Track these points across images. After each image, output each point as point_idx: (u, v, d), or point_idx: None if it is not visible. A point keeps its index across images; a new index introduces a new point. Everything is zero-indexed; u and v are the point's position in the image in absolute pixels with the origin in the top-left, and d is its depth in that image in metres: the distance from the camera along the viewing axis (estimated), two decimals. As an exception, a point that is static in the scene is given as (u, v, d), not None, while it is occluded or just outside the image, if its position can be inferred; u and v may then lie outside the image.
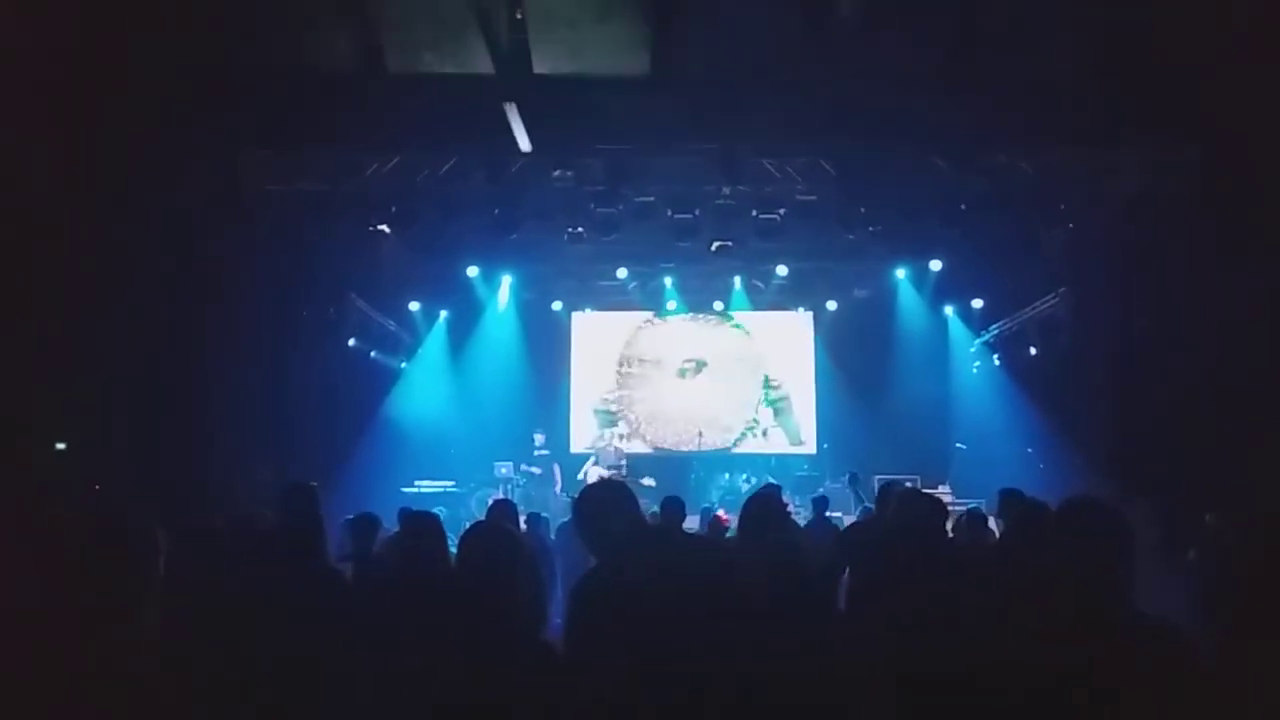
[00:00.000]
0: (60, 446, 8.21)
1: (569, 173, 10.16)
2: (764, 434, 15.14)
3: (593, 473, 13.45)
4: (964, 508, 7.12)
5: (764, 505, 4.24)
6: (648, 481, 13.15)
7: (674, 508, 6.53)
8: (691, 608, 2.66)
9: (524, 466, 13.54)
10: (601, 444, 14.29)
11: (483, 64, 7.80)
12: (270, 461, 9.65)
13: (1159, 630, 2.29)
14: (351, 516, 5.63)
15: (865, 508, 8.13)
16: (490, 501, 11.72)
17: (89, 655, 2.27)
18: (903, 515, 3.61)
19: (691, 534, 5.37)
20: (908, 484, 10.13)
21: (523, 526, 7.08)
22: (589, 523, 3.07)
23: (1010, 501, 4.68)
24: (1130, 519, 2.38)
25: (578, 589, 2.90)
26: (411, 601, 3.30)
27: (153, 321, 8.33)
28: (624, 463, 13.53)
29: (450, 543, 3.83)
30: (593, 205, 10.40)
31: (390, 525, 6.51)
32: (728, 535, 7.57)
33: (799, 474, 13.88)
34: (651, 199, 10.49)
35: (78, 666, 2.25)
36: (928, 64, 7.88)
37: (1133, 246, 9.94)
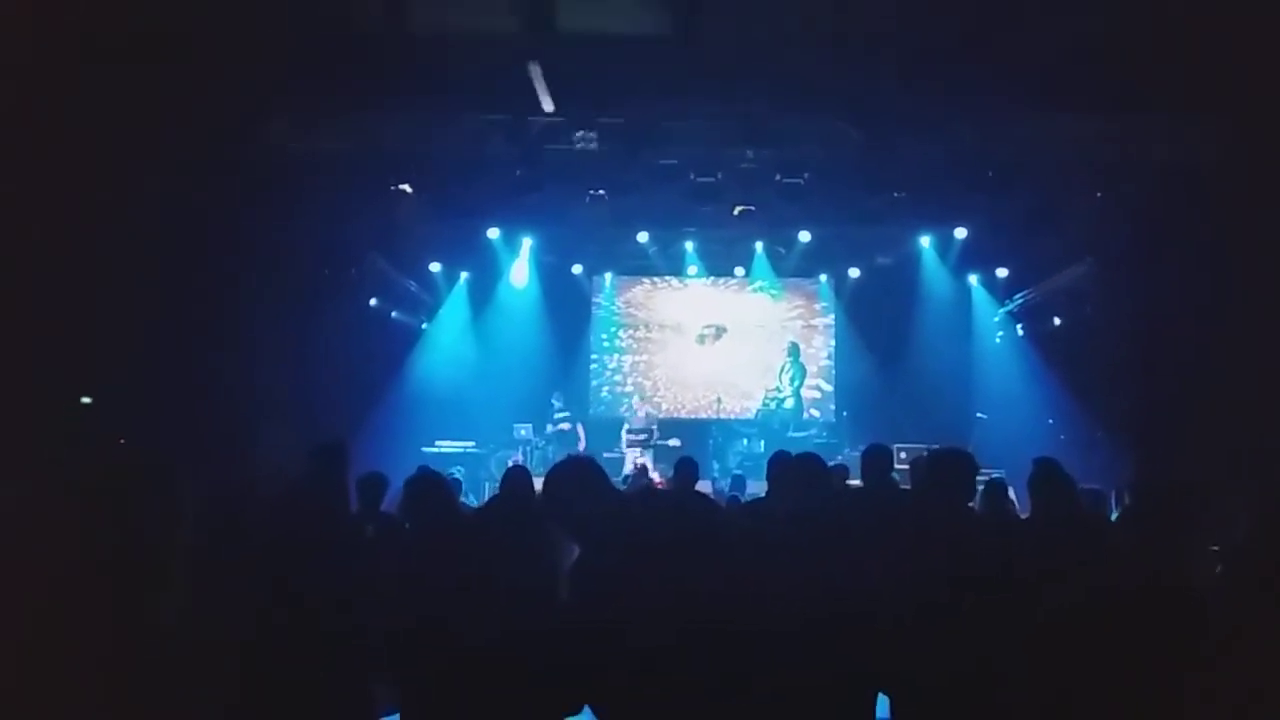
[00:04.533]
0: (86, 401, 8.31)
1: (591, 134, 10.07)
2: (785, 401, 15.12)
3: (624, 438, 13.50)
4: (985, 477, 7.08)
5: (798, 466, 4.20)
6: (673, 443, 13.23)
7: (687, 469, 6.53)
8: (677, 577, 2.62)
9: (554, 423, 13.72)
10: (627, 409, 14.36)
11: (506, 23, 7.71)
12: (292, 421, 9.74)
13: (1201, 603, 2.28)
14: (359, 476, 5.61)
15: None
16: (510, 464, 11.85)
17: (116, 608, 2.30)
18: (933, 476, 3.59)
19: (673, 497, 5.23)
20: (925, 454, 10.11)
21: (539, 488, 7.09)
22: (558, 505, 2.97)
23: (1044, 473, 4.61)
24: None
25: (571, 584, 2.86)
26: (426, 557, 3.32)
27: (176, 281, 8.38)
28: (655, 427, 13.61)
29: (470, 500, 3.86)
30: (614, 168, 10.33)
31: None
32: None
33: (817, 442, 13.85)
34: (674, 162, 10.39)
35: (105, 619, 2.28)
36: (956, 29, 7.74)
37: (1160, 217, 9.77)
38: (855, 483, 8.36)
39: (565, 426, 13.86)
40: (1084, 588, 2.43)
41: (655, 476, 11.02)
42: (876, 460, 5.22)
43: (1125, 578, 2.38)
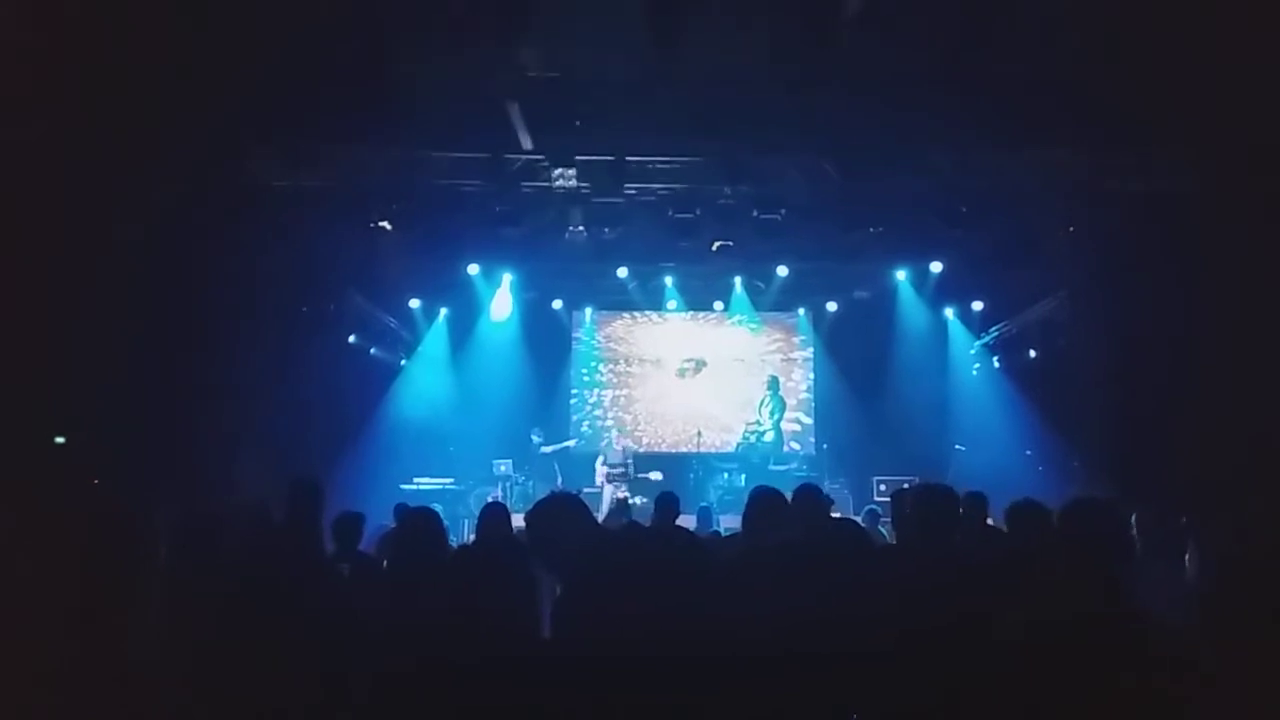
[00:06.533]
0: (59, 440, 8.20)
1: (571, 171, 10.15)
2: (765, 434, 15.15)
3: (600, 471, 13.53)
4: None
5: (769, 504, 4.20)
6: (655, 476, 13.24)
7: (668, 504, 6.50)
8: (660, 612, 2.61)
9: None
10: (605, 443, 14.36)
11: (486, 60, 7.79)
12: (269, 458, 9.65)
13: (1156, 629, 2.30)
14: (335, 516, 5.55)
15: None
16: (488, 500, 11.80)
17: (89, 644, 2.27)
18: (919, 512, 3.60)
19: (658, 532, 5.16)
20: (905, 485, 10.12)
21: (519, 523, 7.04)
22: (541, 541, 2.96)
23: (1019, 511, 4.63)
24: (1129, 521, 2.40)
25: (554, 619, 2.83)
26: (408, 595, 3.29)
27: (154, 316, 8.33)
28: (630, 461, 13.61)
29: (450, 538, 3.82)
30: (594, 204, 10.40)
31: (387, 521, 6.51)
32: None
33: (798, 475, 13.86)
34: (653, 198, 10.49)
35: (78, 655, 2.26)
36: (929, 65, 7.88)
37: (1133, 249, 9.93)
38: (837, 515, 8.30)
39: (570, 443, 14.25)
40: (1030, 617, 2.45)
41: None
42: (811, 500, 5.04)
43: (1062, 605, 2.40)
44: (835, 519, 5.53)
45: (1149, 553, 4.67)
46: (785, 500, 4.19)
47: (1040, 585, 2.75)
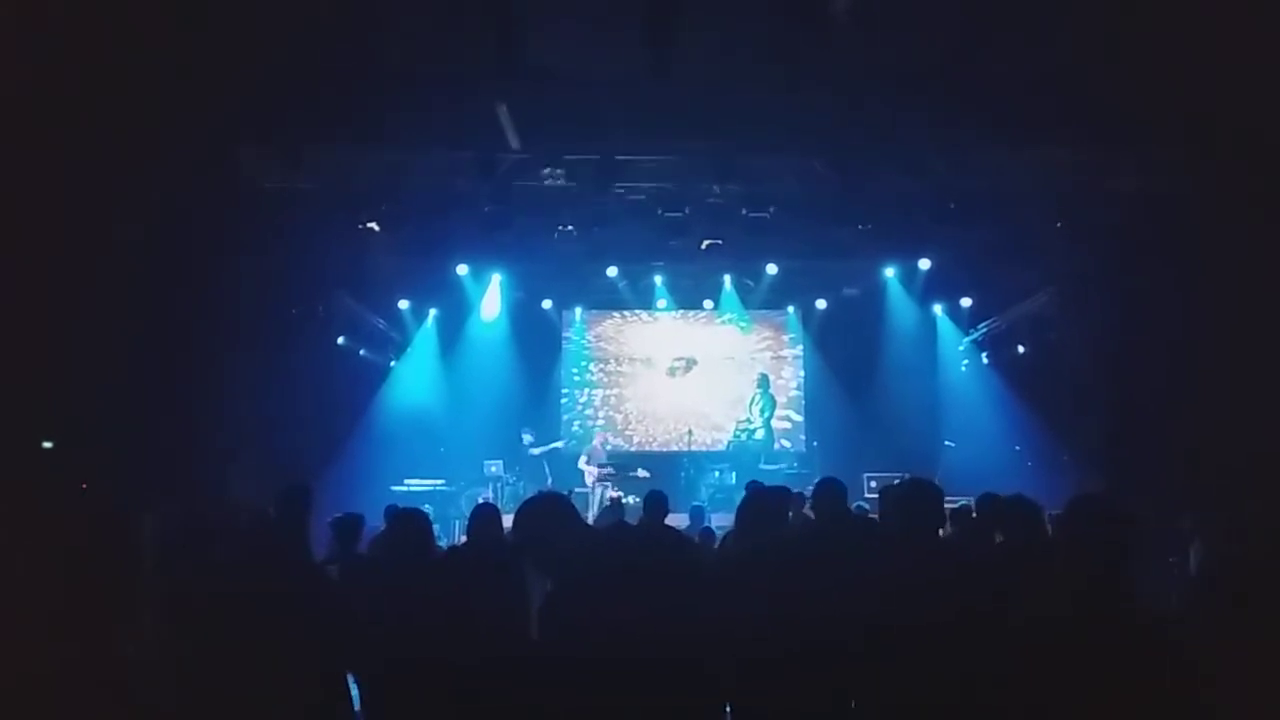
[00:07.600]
0: (47, 445, 8.15)
1: (559, 170, 10.13)
2: (755, 432, 15.18)
3: (586, 471, 13.56)
4: (952, 506, 7.14)
5: (759, 503, 4.21)
6: (642, 474, 13.31)
7: (656, 503, 6.50)
8: (649, 611, 2.61)
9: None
10: (591, 442, 14.37)
11: (474, 60, 7.77)
12: (259, 460, 9.61)
13: (1157, 629, 2.31)
14: (336, 517, 5.58)
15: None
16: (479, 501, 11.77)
17: (80, 645, 2.27)
18: (902, 506, 3.61)
19: (644, 531, 5.12)
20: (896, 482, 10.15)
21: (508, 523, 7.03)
22: (530, 541, 2.95)
23: (985, 503, 4.67)
24: (1131, 518, 2.41)
25: (541, 619, 2.83)
26: (398, 597, 3.29)
27: (141, 317, 8.28)
28: (608, 461, 13.67)
29: (439, 539, 3.82)
30: (583, 203, 10.38)
31: (378, 523, 6.50)
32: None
33: (789, 473, 13.89)
34: (642, 197, 10.48)
35: (68, 656, 2.25)
36: (920, 63, 7.90)
37: (1122, 245, 9.97)
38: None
39: (559, 444, 14.22)
40: (1031, 614, 2.46)
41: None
42: (830, 494, 5.12)
43: (1064, 602, 2.41)
44: (853, 514, 5.55)
45: (1149, 552, 4.69)
46: (780, 497, 4.20)
47: (1039, 583, 2.76)
